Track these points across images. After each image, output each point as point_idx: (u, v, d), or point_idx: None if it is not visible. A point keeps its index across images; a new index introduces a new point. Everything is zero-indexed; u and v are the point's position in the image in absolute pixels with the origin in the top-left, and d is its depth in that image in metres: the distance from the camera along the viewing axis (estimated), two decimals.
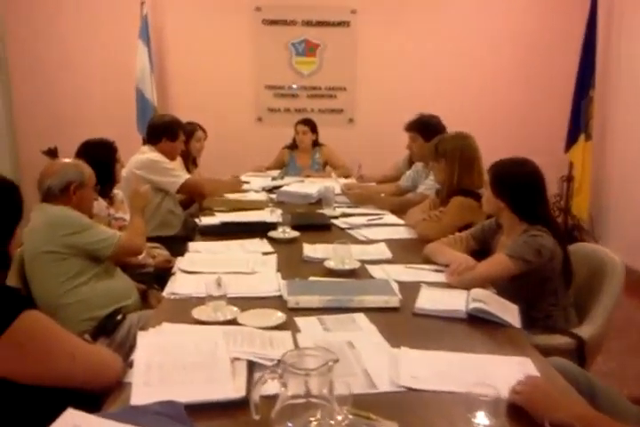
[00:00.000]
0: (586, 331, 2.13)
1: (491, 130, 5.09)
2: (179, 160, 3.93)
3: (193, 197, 3.80)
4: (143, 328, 1.68)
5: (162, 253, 3.12)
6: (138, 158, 3.38)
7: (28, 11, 5.05)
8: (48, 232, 2.13)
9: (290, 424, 1.05)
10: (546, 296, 2.18)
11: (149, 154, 3.42)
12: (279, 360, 1.37)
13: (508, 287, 2.16)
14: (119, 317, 2.16)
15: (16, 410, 1.25)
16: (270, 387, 1.12)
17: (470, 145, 2.72)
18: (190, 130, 4.08)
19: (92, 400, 1.32)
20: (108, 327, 2.12)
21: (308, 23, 5.26)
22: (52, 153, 5.00)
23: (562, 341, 2.08)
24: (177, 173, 3.45)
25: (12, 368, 1.22)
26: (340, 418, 1.18)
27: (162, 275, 2.59)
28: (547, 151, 5.03)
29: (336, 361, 1.06)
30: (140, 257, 2.87)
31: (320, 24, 5.27)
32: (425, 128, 3.51)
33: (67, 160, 2.39)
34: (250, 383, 1.33)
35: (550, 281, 2.16)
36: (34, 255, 2.15)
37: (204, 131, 4.22)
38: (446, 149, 2.72)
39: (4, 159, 4.91)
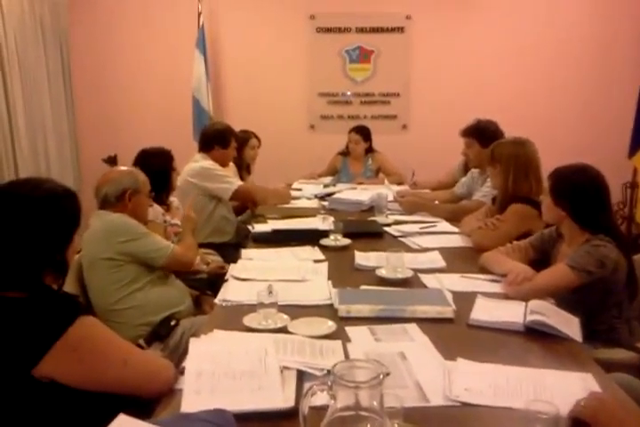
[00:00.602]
0: None
1: (550, 136, 4.94)
2: (232, 167, 3.99)
3: (245, 204, 3.84)
4: (195, 335, 1.69)
5: (215, 259, 3.17)
6: (191, 166, 3.45)
7: (90, 22, 5.24)
8: (105, 239, 2.18)
9: None
10: (608, 308, 2.08)
11: (202, 162, 3.48)
12: (329, 371, 1.36)
13: (568, 299, 2.07)
14: (172, 322, 2.20)
15: (70, 414, 1.28)
16: (319, 398, 1.10)
17: (527, 151, 2.63)
18: (245, 138, 4.13)
19: (144, 407, 1.33)
20: (161, 333, 2.16)
21: (362, 30, 5.25)
22: (112, 161, 5.16)
23: (625, 355, 1.98)
24: (229, 180, 3.50)
25: (66, 372, 1.24)
26: None
27: (215, 281, 2.62)
28: (609, 157, 4.83)
29: (387, 374, 1.04)
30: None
31: (374, 30, 5.25)
32: (482, 134, 3.43)
33: (122, 168, 2.45)
34: (299, 393, 1.32)
35: (613, 293, 2.06)
36: (92, 262, 2.20)
37: (258, 139, 4.26)
38: (502, 154, 2.65)
39: (67, 167, 5.09)
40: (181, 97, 5.14)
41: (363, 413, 1.03)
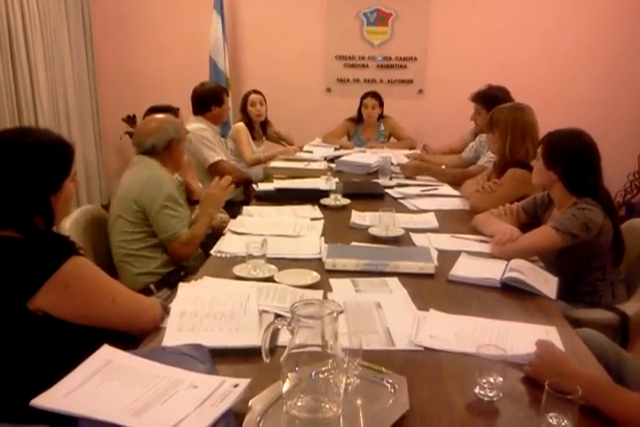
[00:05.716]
0: (632, 307, 2.07)
1: (564, 105, 4.91)
2: (244, 129, 4.05)
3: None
4: (186, 280, 1.80)
5: (223, 216, 3.27)
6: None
7: None
8: (144, 186, 2.29)
9: (297, 369, 1.13)
10: (592, 271, 2.14)
11: (193, 125, 3.54)
12: None
13: (554, 261, 2.14)
14: (182, 273, 2.35)
15: (61, 345, 1.39)
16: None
17: (524, 116, 2.64)
18: (243, 96, 4.19)
19: (131, 341, 1.45)
20: (170, 280, 2.28)
21: None
22: (131, 120, 5.28)
23: (604, 316, 2.04)
24: (210, 154, 3.54)
25: (58, 306, 1.35)
26: (350, 369, 1.25)
27: (219, 236, 2.73)
28: (627, 125, 4.79)
29: (341, 312, 1.12)
30: None
31: None
32: (487, 100, 3.43)
33: (159, 116, 2.51)
34: (274, 334, 1.41)
35: (597, 257, 2.11)
36: (120, 206, 2.32)
37: (260, 94, 4.23)
38: (499, 119, 2.66)
39: (89, 126, 5.21)
40: (199, 58, 5.18)
41: (319, 349, 1.12)
